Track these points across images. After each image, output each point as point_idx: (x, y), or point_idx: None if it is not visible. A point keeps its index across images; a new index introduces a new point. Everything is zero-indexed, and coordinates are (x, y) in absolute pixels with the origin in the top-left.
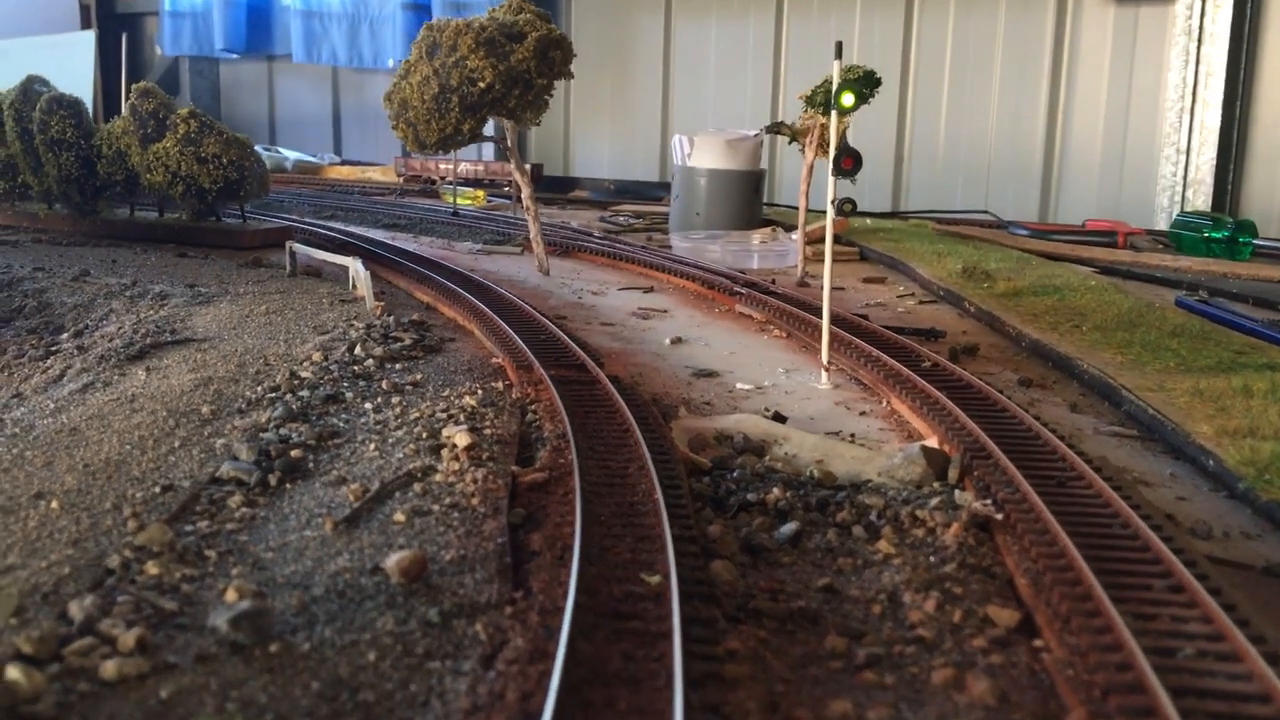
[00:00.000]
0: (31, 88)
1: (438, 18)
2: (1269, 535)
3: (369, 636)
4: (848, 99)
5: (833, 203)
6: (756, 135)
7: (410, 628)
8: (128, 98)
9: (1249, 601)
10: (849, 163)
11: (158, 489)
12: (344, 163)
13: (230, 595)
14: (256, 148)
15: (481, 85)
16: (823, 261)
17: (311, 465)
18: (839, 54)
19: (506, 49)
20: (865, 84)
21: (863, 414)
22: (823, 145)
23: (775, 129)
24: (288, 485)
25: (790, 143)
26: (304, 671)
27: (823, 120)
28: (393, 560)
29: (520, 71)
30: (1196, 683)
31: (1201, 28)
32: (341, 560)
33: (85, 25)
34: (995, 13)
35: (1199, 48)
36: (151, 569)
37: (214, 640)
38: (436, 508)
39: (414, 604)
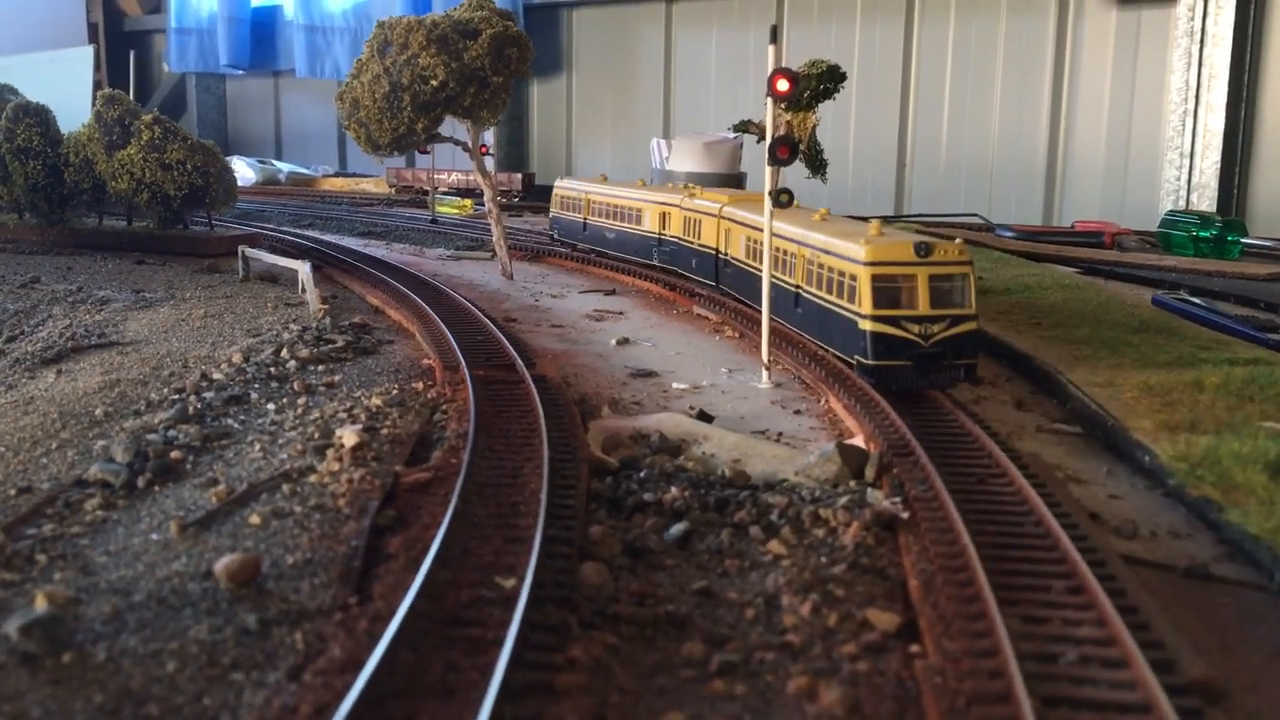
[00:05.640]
0: None
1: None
2: (1199, 535)
3: (175, 645)
4: (782, 85)
5: (770, 193)
6: (736, 138)
7: (223, 636)
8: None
9: (1156, 605)
10: (784, 151)
11: (13, 491)
12: (338, 174)
13: (39, 601)
14: (252, 160)
15: (434, 83)
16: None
17: (189, 466)
18: (774, 39)
19: (459, 46)
20: (829, 79)
21: (797, 413)
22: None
23: (744, 127)
24: (157, 487)
25: (759, 141)
26: (91, 683)
27: (788, 118)
28: (221, 564)
29: (474, 69)
30: (1072, 692)
31: (1204, 30)
32: (176, 565)
33: (92, 42)
34: (996, 17)
35: (1202, 50)
36: None
37: (4, 649)
38: (299, 509)
39: (236, 611)
